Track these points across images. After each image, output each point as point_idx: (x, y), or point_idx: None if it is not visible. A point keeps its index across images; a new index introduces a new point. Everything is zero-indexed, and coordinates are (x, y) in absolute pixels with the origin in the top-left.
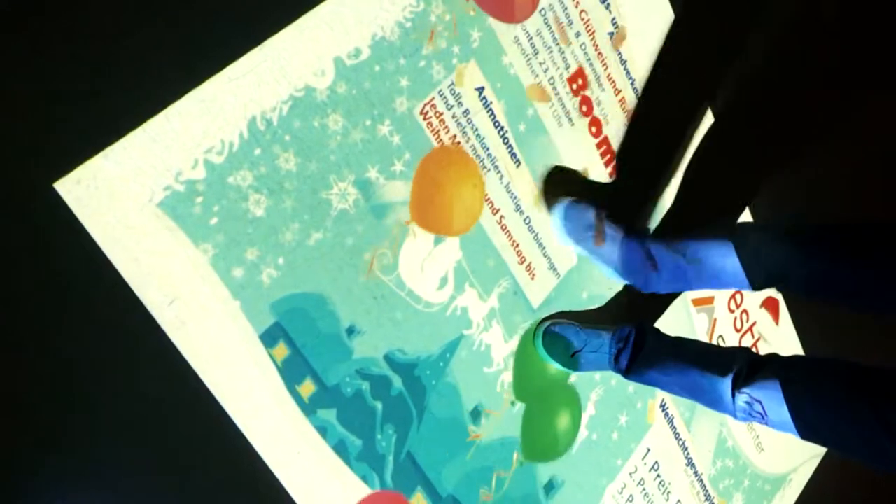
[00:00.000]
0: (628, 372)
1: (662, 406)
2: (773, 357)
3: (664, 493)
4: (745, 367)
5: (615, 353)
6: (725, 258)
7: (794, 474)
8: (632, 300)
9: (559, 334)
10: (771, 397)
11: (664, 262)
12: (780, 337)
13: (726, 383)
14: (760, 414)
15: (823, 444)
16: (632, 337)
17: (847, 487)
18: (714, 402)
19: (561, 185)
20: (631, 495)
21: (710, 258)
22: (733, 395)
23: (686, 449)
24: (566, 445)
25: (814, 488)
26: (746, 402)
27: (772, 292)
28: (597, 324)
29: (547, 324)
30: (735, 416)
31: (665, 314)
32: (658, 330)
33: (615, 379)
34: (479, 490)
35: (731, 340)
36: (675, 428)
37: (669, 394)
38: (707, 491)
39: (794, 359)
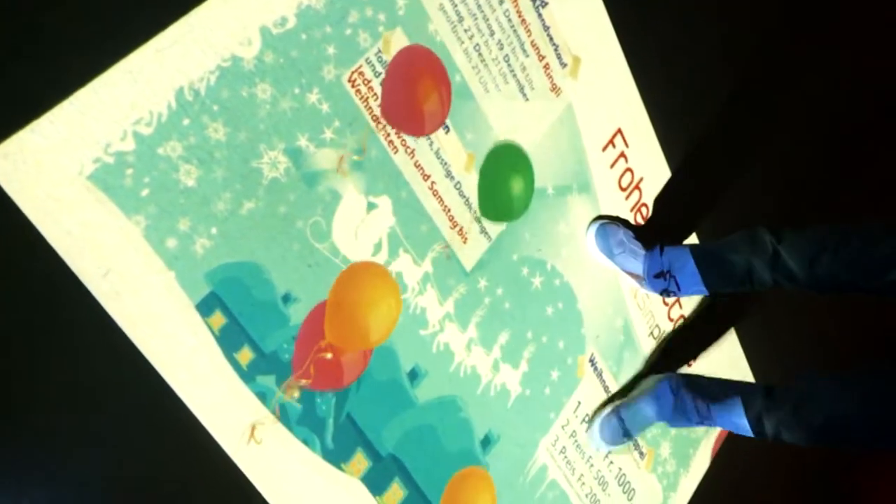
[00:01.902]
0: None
1: (591, 361)
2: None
3: None
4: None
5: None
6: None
7: None
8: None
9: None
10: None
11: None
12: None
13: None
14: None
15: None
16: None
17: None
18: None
19: None
20: (564, 447)
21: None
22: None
23: None
24: (522, 208)
25: (736, 437)
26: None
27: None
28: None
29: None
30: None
31: (595, 283)
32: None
33: (546, 336)
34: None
35: (656, 299)
36: (604, 381)
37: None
38: (636, 440)
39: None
